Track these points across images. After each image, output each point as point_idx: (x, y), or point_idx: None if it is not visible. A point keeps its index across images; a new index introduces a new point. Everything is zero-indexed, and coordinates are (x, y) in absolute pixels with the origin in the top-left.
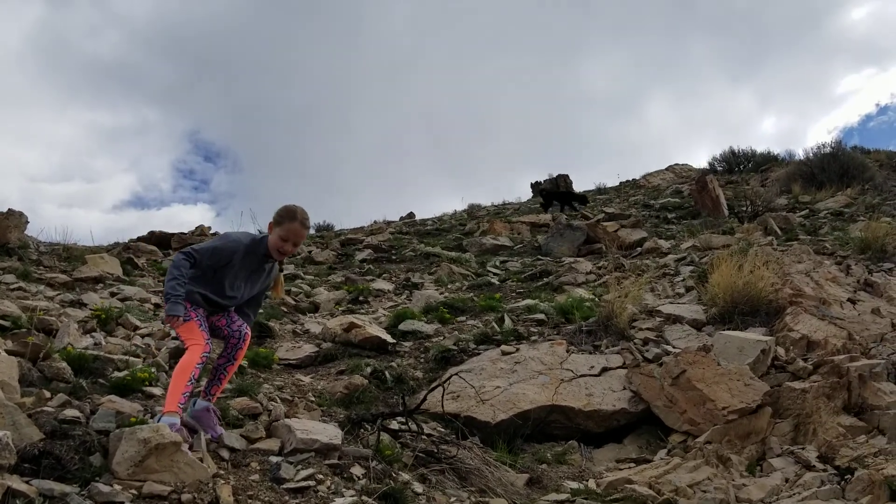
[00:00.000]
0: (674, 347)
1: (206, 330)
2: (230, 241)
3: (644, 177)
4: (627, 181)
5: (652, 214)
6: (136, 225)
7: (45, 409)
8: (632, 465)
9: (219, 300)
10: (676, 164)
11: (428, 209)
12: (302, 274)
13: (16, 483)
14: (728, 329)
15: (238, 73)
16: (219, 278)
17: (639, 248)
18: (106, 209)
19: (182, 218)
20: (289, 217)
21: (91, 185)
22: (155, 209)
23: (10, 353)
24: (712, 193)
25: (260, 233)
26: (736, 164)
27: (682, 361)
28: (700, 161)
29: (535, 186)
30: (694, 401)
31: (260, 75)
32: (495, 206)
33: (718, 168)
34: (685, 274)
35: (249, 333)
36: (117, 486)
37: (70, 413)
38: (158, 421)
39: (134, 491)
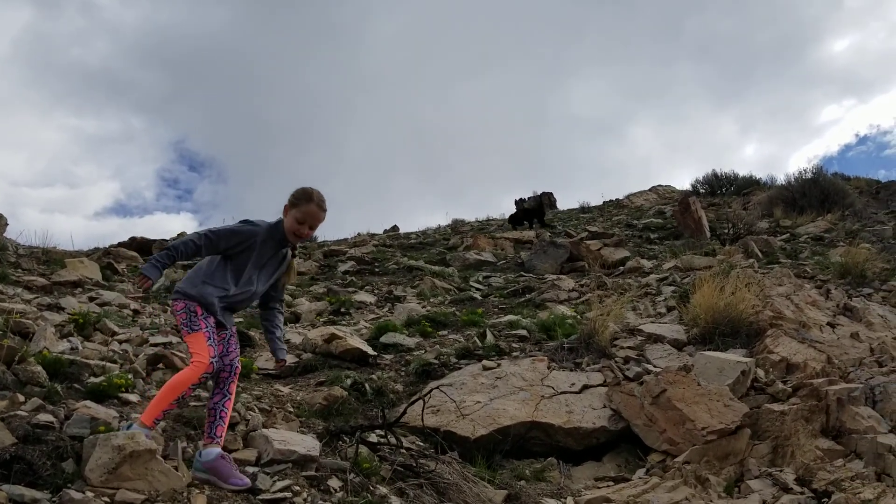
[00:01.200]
0: (654, 366)
1: (216, 345)
2: (251, 225)
3: (627, 197)
4: (611, 201)
5: (635, 234)
6: (118, 232)
7: (19, 412)
8: (610, 483)
9: (237, 296)
10: (660, 186)
11: (412, 223)
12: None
13: None
14: (709, 349)
15: (225, 84)
16: (237, 267)
17: (621, 267)
18: (88, 216)
19: (165, 227)
20: (305, 199)
21: (74, 190)
22: (137, 217)
23: None
24: (695, 215)
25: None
26: (718, 187)
27: (663, 381)
28: (683, 183)
29: (519, 203)
30: (674, 420)
31: (247, 87)
32: (479, 221)
33: (701, 190)
34: (667, 294)
35: (240, 367)
36: (89, 493)
37: (44, 418)
38: (128, 428)
39: (106, 499)
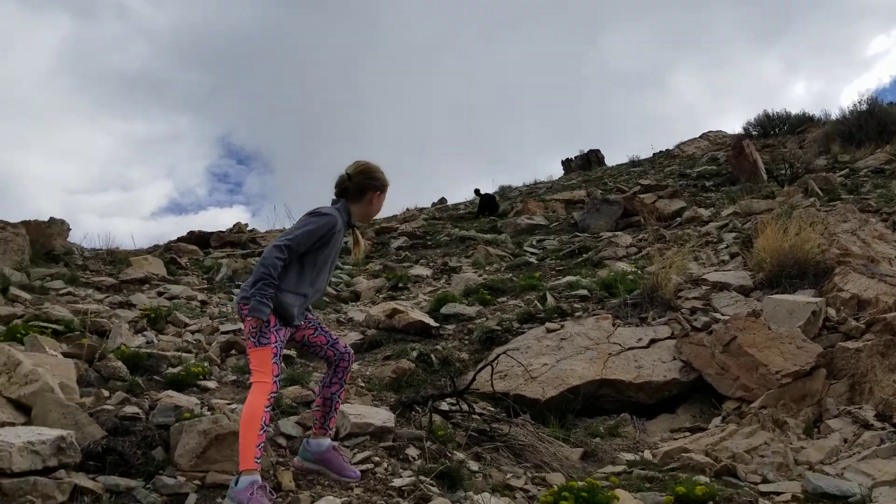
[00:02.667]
0: (722, 315)
1: (280, 362)
2: (324, 216)
3: (678, 146)
4: (661, 152)
5: (689, 184)
6: (176, 230)
7: (105, 407)
8: (687, 434)
9: (314, 297)
10: (710, 132)
11: (459, 194)
12: (340, 264)
13: (82, 480)
14: (776, 293)
15: (262, 75)
16: (315, 265)
17: (678, 219)
18: (145, 216)
19: (220, 221)
20: (385, 182)
21: (128, 193)
22: (192, 213)
23: (66, 355)
24: (750, 158)
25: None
26: (771, 128)
27: (733, 328)
28: (734, 127)
29: (567, 164)
30: (746, 366)
31: (284, 75)
32: (527, 185)
33: (753, 133)
34: (728, 241)
35: (353, 353)
36: (181, 478)
37: (129, 410)
38: (236, 483)
39: (197, 482)
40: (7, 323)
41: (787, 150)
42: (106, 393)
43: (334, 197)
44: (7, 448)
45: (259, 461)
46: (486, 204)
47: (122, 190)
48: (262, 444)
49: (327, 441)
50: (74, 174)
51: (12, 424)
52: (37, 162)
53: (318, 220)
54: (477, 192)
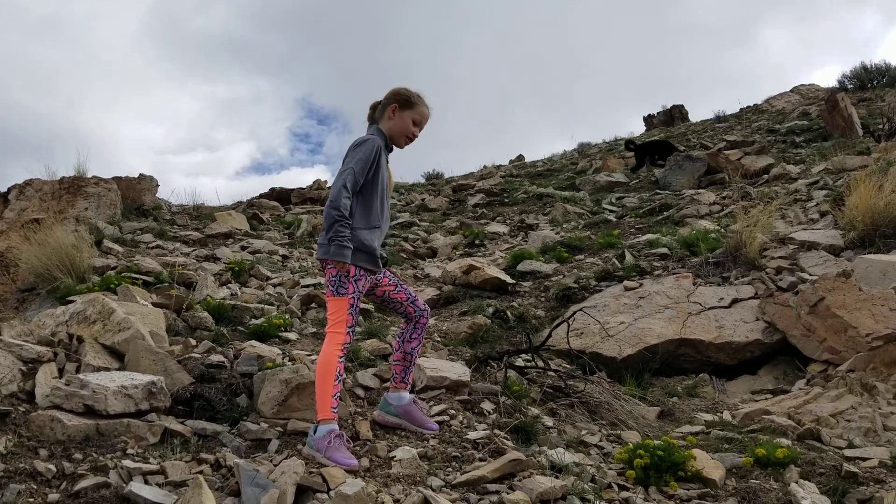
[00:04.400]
0: (810, 275)
1: (356, 314)
2: (367, 140)
3: (767, 101)
4: (749, 107)
5: (778, 139)
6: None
7: (192, 355)
8: (768, 396)
9: (382, 228)
10: (802, 85)
11: (537, 152)
12: (417, 221)
13: (172, 424)
14: (869, 253)
15: (339, 35)
16: (374, 194)
17: (765, 176)
18: (229, 176)
19: (301, 180)
20: (417, 98)
21: (214, 154)
22: (275, 173)
23: (155, 305)
24: (844, 112)
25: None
26: (868, 81)
27: (821, 288)
28: (828, 81)
29: (648, 120)
30: (834, 328)
31: (363, 36)
32: (606, 142)
33: (849, 86)
34: (818, 198)
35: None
36: (264, 425)
37: (215, 358)
38: (315, 431)
39: (279, 428)
40: (101, 274)
41: (885, 104)
42: (193, 342)
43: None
44: (103, 391)
45: (336, 411)
46: (650, 149)
47: (208, 150)
48: (339, 394)
49: (408, 395)
50: (162, 135)
51: (107, 369)
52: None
53: (364, 146)
54: (629, 144)
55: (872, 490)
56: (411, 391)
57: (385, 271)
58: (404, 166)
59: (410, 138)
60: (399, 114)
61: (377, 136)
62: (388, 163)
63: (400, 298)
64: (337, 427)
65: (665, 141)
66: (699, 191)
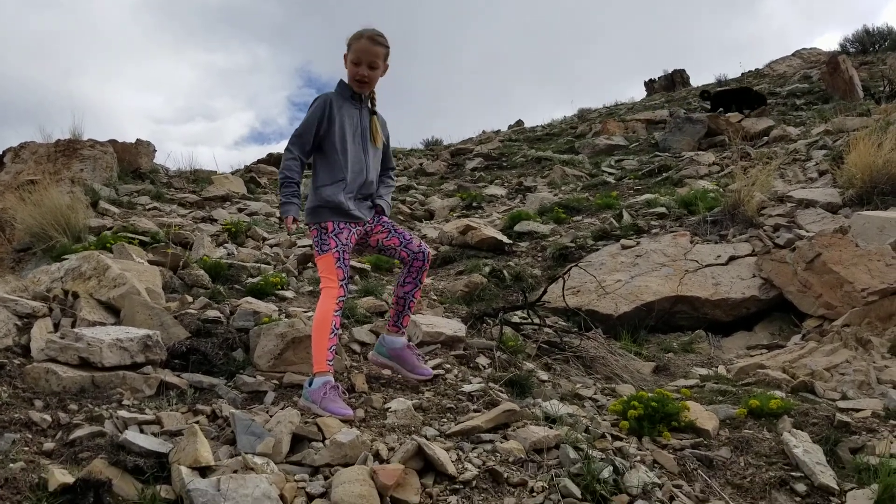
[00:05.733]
0: (807, 232)
1: (345, 267)
2: (315, 99)
3: (768, 65)
4: (750, 71)
5: (779, 102)
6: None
7: (189, 311)
8: (763, 351)
9: (356, 179)
10: (804, 49)
11: (537, 117)
12: (415, 185)
13: (168, 376)
14: (867, 210)
15: (341, 2)
16: (336, 148)
17: (765, 138)
18: (228, 145)
19: None
20: (355, 37)
21: (213, 123)
22: (274, 143)
23: (152, 263)
24: (845, 75)
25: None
26: (870, 44)
27: (818, 244)
28: (830, 45)
29: (650, 84)
30: (830, 284)
31: (362, 3)
32: (607, 107)
33: (851, 50)
34: (818, 158)
35: (430, 252)
36: (260, 378)
37: (211, 314)
38: (310, 384)
39: (275, 381)
40: (97, 234)
41: (887, 67)
42: (189, 299)
43: None
44: (98, 344)
45: (331, 363)
46: (729, 97)
47: (207, 120)
48: (334, 348)
49: (402, 339)
50: (161, 105)
51: (102, 324)
52: (125, 93)
53: (311, 106)
54: (705, 94)
55: (864, 439)
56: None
57: (381, 219)
58: (403, 133)
59: (360, 81)
60: (346, 60)
61: (333, 91)
62: (362, 111)
63: (393, 244)
64: (332, 379)
65: (747, 88)
66: (699, 152)
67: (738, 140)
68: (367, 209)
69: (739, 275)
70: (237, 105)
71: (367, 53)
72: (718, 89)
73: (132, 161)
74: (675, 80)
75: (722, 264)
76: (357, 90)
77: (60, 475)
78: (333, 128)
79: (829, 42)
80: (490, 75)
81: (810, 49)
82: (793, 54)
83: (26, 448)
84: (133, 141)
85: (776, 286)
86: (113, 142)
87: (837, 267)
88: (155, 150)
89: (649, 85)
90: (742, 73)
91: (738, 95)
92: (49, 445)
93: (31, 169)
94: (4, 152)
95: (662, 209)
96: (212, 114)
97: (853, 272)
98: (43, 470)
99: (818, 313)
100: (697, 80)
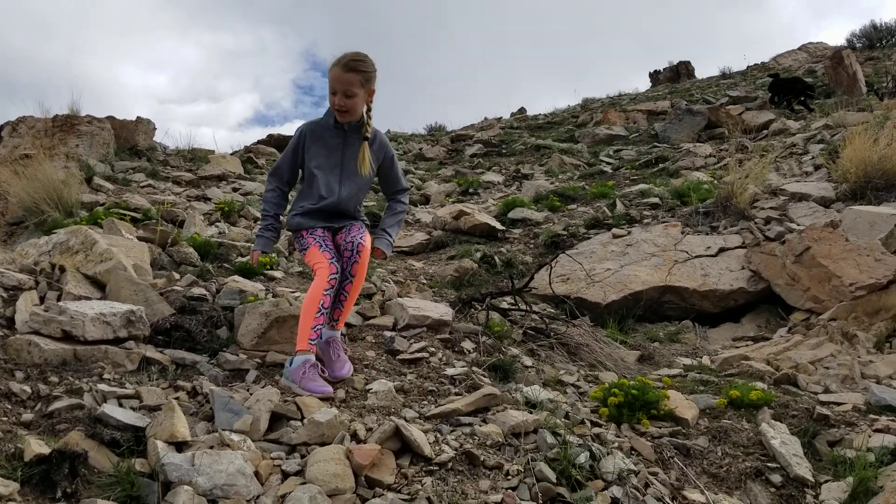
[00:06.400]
0: (798, 225)
1: (330, 249)
2: (295, 131)
3: (774, 58)
4: (755, 65)
5: None
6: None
7: (175, 288)
8: (749, 342)
9: (324, 206)
10: (810, 43)
11: (540, 106)
12: (413, 169)
13: (150, 352)
14: (859, 205)
15: None
16: (312, 178)
17: (765, 131)
18: (232, 127)
19: None
20: (331, 64)
21: (217, 104)
22: (278, 125)
23: (141, 239)
24: (849, 69)
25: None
26: (878, 40)
27: (807, 238)
28: (837, 40)
29: (654, 76)
30: (818, 278)
31: None
32: (610, 97)
33: (858, 45)
34: (814, 152)
35: (366, 243)
36: (243, 356)
37: (197, 291)
38: (290, 363)
39: (258, 360)
40: (90, 209)
41: (891, 63)
42: (177, 276)
43: None
44: (81, 317)
45: (314, 343)
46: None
47: (212, 101)
48: (319, 327)
49: (330, 332)
50: (166, 84)
51: (88, 299)
52: (130, 71)
53: (291, 139)
54: (775, 77)
55: (843, 432)
56: (393, 328)
57: (353, 234)
58: (406, 118)
59: (339, 110)
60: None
61: (320, 118)
62: (347, 139)
63: (339, 241)
64: (312, 357)
65: (796, 78)
66: (697, 144)
67: (737, 133)
68: (347, 221)
69: (728, 266)
70: (242, 86)
71: (339, 82)
72: (785, 76)
73: (129, 138)
74: (680, 72)
75: (711, 256)
76: (339, 119)
77: (37, 445)
78: (311, 158)
79: (836, 36)
80: (496, 64)
81: (816, 43)
82: (799, 48)
83: (4, 418)
84: (133, 119)
85: (764, 279)
86: (111, 118)
87: (826, 261)
88: (155, 129)
89: (654, 76)
90: (747, 67)
91: (791, 85)
92: (27, 416)
93: (28, 143)
94: (2, 126)
95: (656, 199)
96: (216, 95)
97: (842, 266)
98: (20, 440)
99: (805, 307)
100: (702, 72)
